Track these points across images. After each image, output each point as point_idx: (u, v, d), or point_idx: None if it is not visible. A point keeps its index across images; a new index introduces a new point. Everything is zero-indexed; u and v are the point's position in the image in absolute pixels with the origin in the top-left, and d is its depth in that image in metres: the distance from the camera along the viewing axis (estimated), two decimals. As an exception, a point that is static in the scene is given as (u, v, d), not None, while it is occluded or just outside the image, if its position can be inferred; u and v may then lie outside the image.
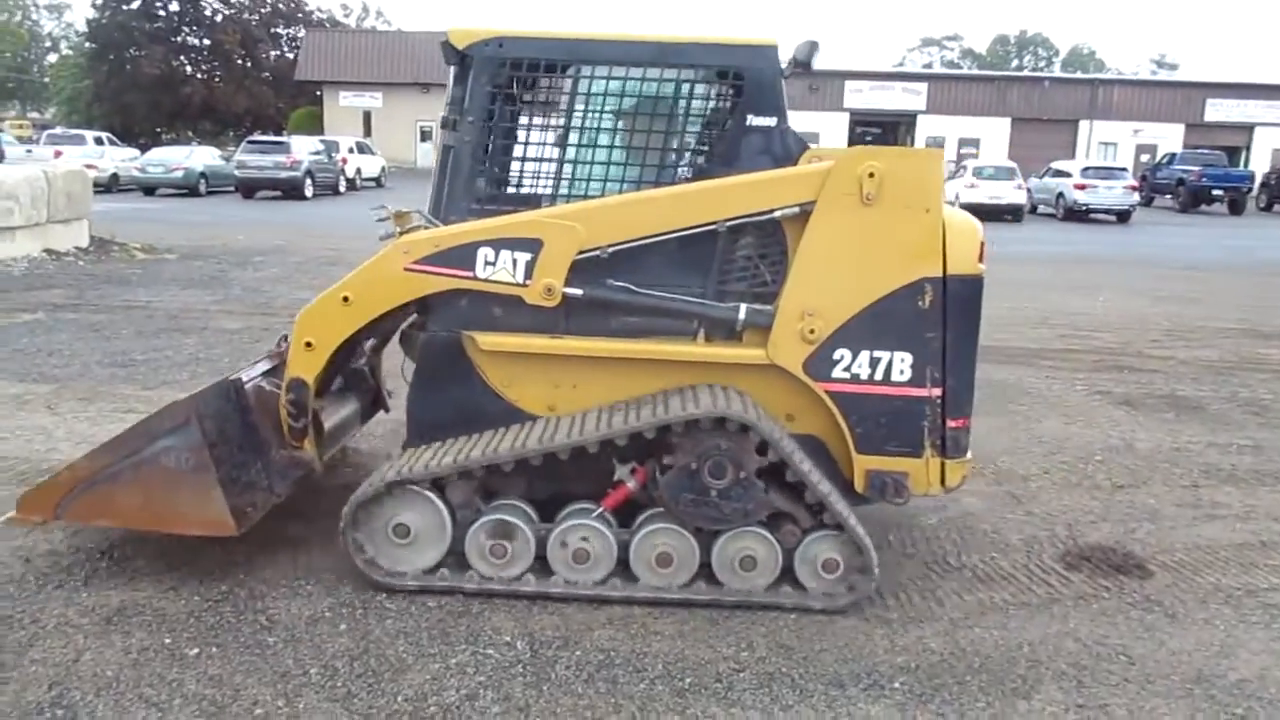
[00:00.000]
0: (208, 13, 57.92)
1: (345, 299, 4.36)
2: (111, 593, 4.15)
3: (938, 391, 4.28)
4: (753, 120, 4.34)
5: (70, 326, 9.88)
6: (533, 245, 4.23)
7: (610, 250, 4.25)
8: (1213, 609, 4.36)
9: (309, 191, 29.93)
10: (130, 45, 54.44)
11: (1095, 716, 3.52)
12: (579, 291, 4.27)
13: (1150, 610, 4.33)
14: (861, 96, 50.72)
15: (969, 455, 4.45)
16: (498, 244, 4.24)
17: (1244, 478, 6.21)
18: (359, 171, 35.18)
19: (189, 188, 30.48)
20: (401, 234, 4.42)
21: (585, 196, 4.44)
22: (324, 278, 11.32)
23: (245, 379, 4.56)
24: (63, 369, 8.12)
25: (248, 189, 30.07)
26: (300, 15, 61.30)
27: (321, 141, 34.66)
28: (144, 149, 37.53)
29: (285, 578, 4.35)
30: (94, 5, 54.65)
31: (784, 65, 4.44)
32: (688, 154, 4.60)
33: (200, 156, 32.55)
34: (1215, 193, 34.71)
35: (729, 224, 4.24)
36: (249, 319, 10.44)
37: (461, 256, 4.26)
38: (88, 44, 57.65)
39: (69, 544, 4.56)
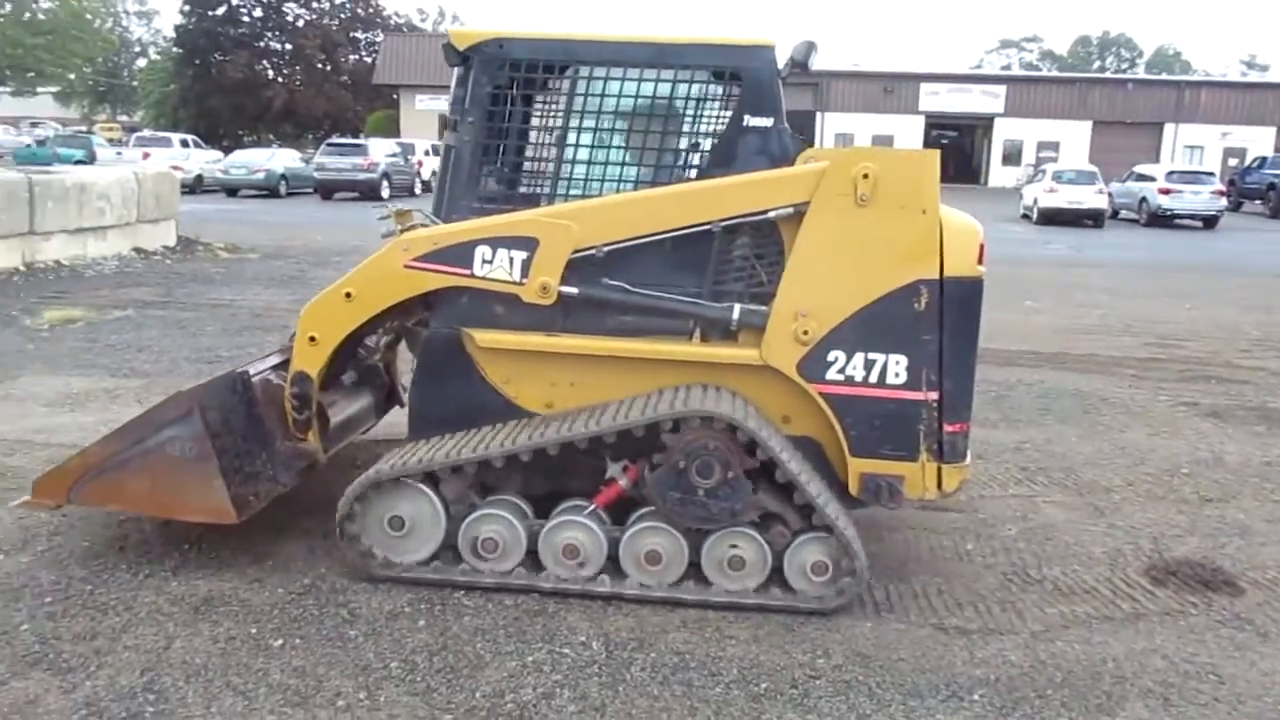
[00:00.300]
0: (289, 18, 59.32)
1: (348, 295, 4.45)
2: (199, 582, 4.27)
3: (934, 395, 4.23)
4: (750, 121, 4.34)
5: (159, 323, 10.19)
6: (528, 244, 4.27)
7: (605, 249, 4.28)
8: (1308, 629, 4.22)
9: (385, 193, 30.43)
10: (215, 50, 55.98)
11: (1183, 736, 3.43)
12: (575, 290, 4.31)
13: (1241, 629, 4.20)
14: (938, 99, 50.08)
15: (968, 460, 4.40)
16: (494, 242, 4.30)
17: (1340, 494, 5.99)
18: (434, 173, 35.65)
19: (270, 189, 31.27)
20: (402, 232, 4.50)
21: (584, 196, 4.49)
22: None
23: (253, 372, 4.68)
24: (152, 364, 8.38)
25: (326, 190, 30.75)
26: (379, 20, 62.45)
27: (398, 144, 35.23)
28: (227, 151, 38.54)
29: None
30: (182, 12, 56.30)
31: (781, 66, 4.44)
32: (685, 154, 4.63)
33: (281, 159, 33.37)
34: (1308, 197, 33.53)
35: (724, 224, 4.25)
36: (328, 318, 10.63)
37: (459, 254, 4.32)
38: (175, 49, 59.37)
39: (160, 534, 4.70)
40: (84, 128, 55.10)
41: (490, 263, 4.30)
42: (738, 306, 4.31)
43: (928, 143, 48.06)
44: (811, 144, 4.54)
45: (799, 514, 4.19)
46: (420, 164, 34.47)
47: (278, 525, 4.74)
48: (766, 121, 4.33)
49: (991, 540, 5.07)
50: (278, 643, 3.82)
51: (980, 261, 4.25)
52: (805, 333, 4.20)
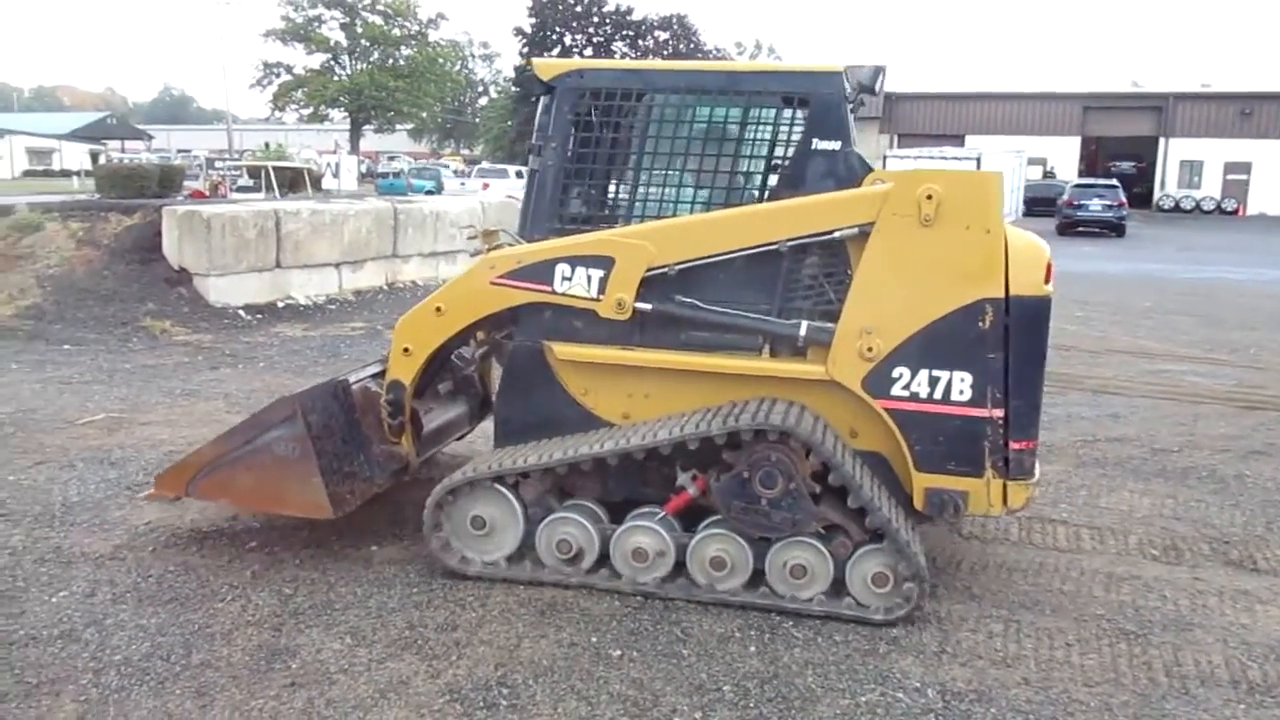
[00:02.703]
0: (617, 56, 62.55)
1: (438, 309, 4.72)
2: (544, 588, 4.52)
3: (999, 412, 4.23)
4: (818, 144, 4.44)
5: (499, 341, 10.99)
6: (605, 262, 4.44)
7: (678, 267, 4.42)
8: None
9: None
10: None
11: None
12: (649, 306, 4.42)
13: None
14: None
15: (1035, 477, 4.38)
16: (574, 260, 4.48)
17: None
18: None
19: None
20: (489, 251, 4.71)
21: (659, 217, 4.64)
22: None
23: (353, 380, 4.95)
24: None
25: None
26: (699, 54, 64.46)
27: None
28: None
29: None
30: (520, 54, 60.86)
31: (849, 90, 4.46)
32: (756, 177, 4.69)
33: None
34: None
35: (792, 243, 4.34)
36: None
37: (541, 272, 4.52)
38: (513, 88, 64.22)
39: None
40: (432, 161, 60.89)
41: (570, 280, 4.50)
42: (805, 323, 4.40)
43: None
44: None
45: (861, 525, 4.22)
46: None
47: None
48: (834, 145, 4.42)
49: (1394, 626, 4.40)
50: (616, 653, 3.98)
51: (1048, 281, 4.24)
52: (870, 349, 4.26)
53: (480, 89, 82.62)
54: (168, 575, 4.61)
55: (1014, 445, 4.26)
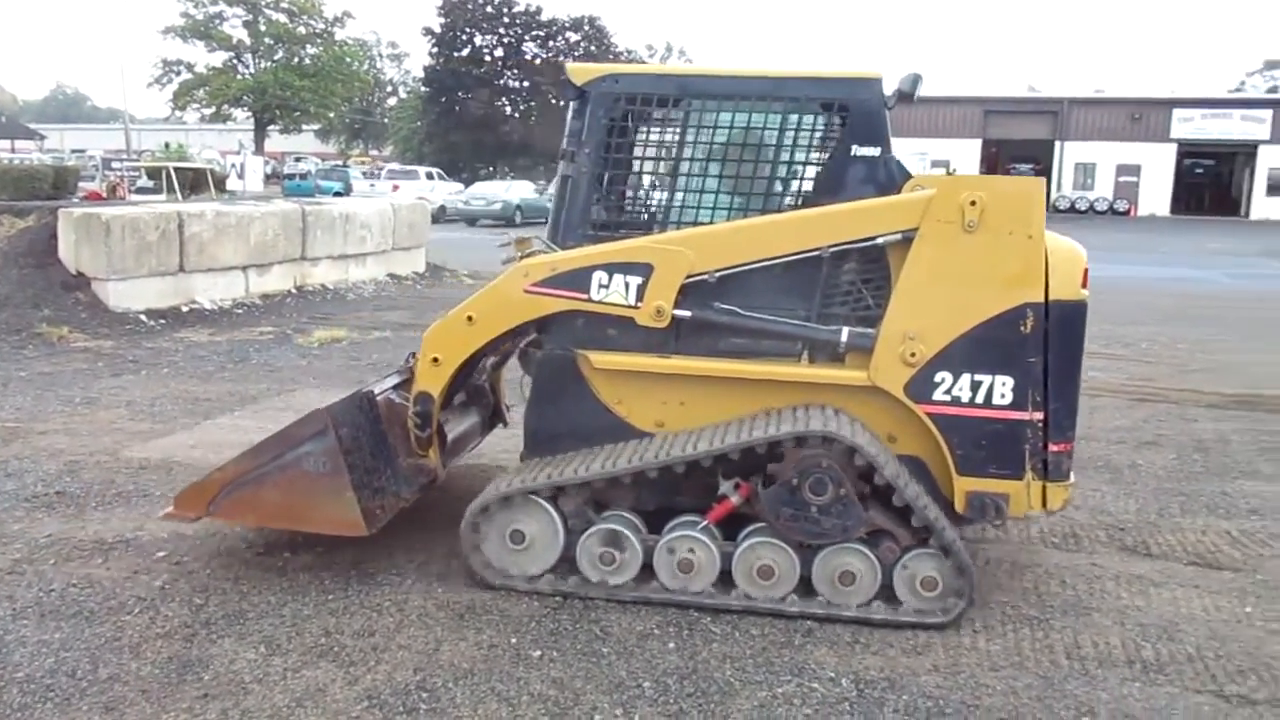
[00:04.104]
0: (528, 56, 62.31)
1: (469, 318, 4.65)
2: (463, 591, 4.51)
3: (1039, 415, 4.29)
4: (857, 150, 4.45)
5: (413, 344, 10.82)
6: (644, 269, 4.42)
7: (718, 274, 4.37)
8: None
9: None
10: (459, 89, 59.49)
11: None
12: (688, 313, 4.42)
13: None
14: (1191, 125, 46.79)
15: (1072, 479, 4.45)
16: (611, 268, 4.45)
17: None
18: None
19: (507, 219, 32.86)
20: (522, 258, 4.66)
21: (695, 223, 4.62)
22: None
23: (377, 391, 4.85)
24: (409, 383, 8.94)
25: (558, 220, 31.91)
26: (611, 56, 64.57)
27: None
28: (467, 184, 40.78)
29: (615, 592, 4.55)
30: (430, 53, 60.22)
31: (888, 97, 4.49)
32: (794, 183, 4.69)
33: (517, 190, 35.05)
34: None
35: (833, 250, 4.35)
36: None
37: (577, 279, 4.48)
38: (423, 88, 63.50)
39: (424, 541, 5.00)
40: (340, 162, 59.77)
41: (607, 287, 4.47)
42: (846, 329, 4.41)
43: (1180, 172, 45.02)
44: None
45: (909, 530, 4.25)
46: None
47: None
48: (874, 151, 4.44)
49: (1275, 603, 4.65)
50: (537, 654, 3.99)
51: (1084, 285, 4.30)
52: (913, 355, 4.28)
53: (389, 89, 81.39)
54: (71, 589, 4.46)
55: (1053, 447, 4.32)
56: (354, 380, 8.93)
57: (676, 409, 4.59)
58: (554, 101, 61.27)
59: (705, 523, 4.42)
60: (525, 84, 62.38)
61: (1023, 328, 4.23)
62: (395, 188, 34.74)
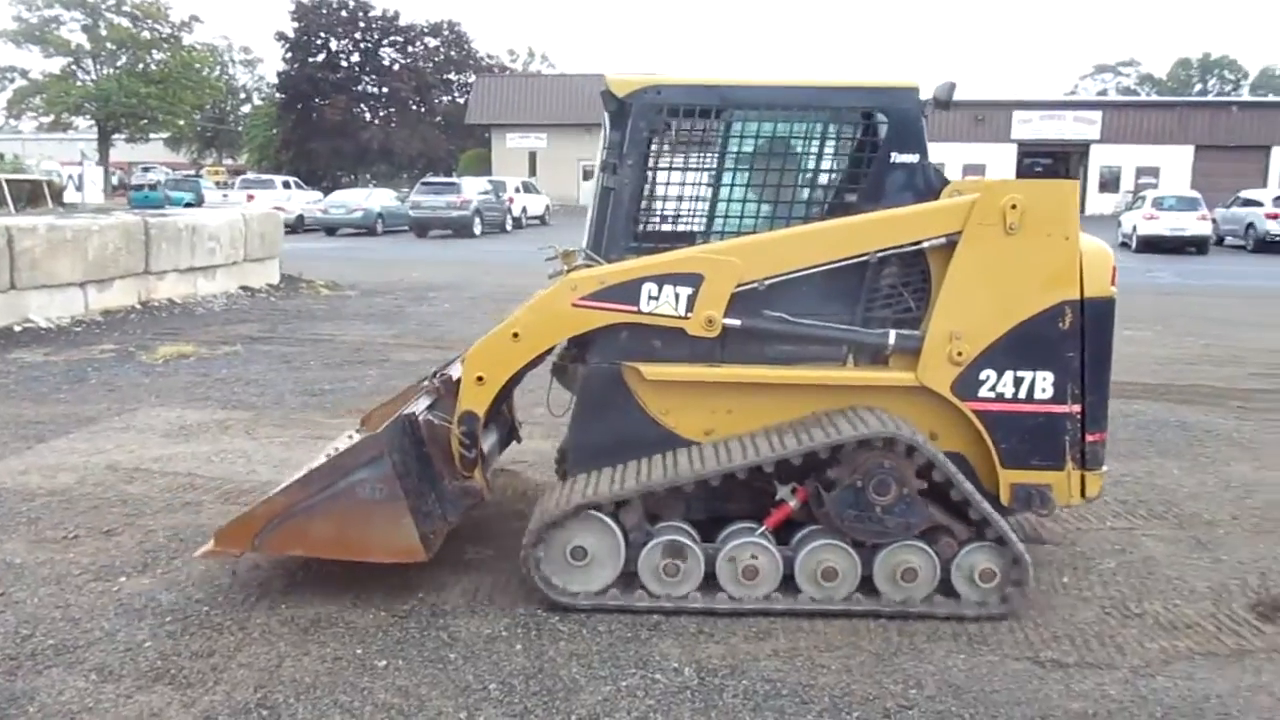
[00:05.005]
0: (386, 62, 61.25)
1: (515, 335, 4.59)
2: (308, 605, 4.45)
3: (1077, 408, 4.49)
4: (896, 158, 4.58)
5: (264, 358, 10.61)
6: (694, 280, 4.45)
7: (767, 282, 4.46)
8: None
9: (478, 230, 31.15)
10: (315, 95, 58.04)
11: (1293, 776, 3.33)
12: (738, 322, 4.48)
13: (1356, 667, 4.06)
14: (1030, 126, 49.17)
15: (1105, 467, 4.66)
16: (660, 279, 4.47)
17: None
18: (525, 210, 36.37)
19: (367, 228, 32.27)
20: (568, 272, 4.64)
21: (738, 233, 4.69)
22: (496, 312, 11.77)
23: (419, 414, 4.75)
24: (259, 397, 8.73)
25: (421, 228, 31.56)
26: (471, 62, 64.11)
27: (490, 182, 35.99)
28: (326, 192, 39.81)
29: (464, 597, 4.57)
30: (284, 59, 58.57)
31: (924, 105, 4.64)
32: (835, 191, 4.80)
33: (377, 198, 34.37)
34: None
35: (879, 255, 4.46)
36: (425, 352, 10.96)
37: (626, 292, 4.48)
38: (278, 95, 61.67)
39: (270, 560, 4.90)
40: (192, 172, 57.54)
41: (657, 299, 4.47)
42: (893, 332, 4.52)
43: (1020, 171, 47.21)
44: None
45: (965, 524, 4.39)
46: (511, 201, 35.09)
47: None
48: (912, 158, 4.58)
49: (1089, 574, 4.98)
50: (382, 663, 3.97)
51: (1113, 282, 4.52)
52: (959, 354, 4.43)
53: (243, 95, 78.72)
54: (-119, 627, 4.22)
55: (1090, 438, 4.52)
56: (200, 397, 8.67)
57: (724, 417, 4.61)
58: (413, 107, 60.53)
59: (764, 528, 4.46)
60: (384, 90, 61.30)
61: (1061, 325, 4.42)
62: (250, 198, 33.62)
